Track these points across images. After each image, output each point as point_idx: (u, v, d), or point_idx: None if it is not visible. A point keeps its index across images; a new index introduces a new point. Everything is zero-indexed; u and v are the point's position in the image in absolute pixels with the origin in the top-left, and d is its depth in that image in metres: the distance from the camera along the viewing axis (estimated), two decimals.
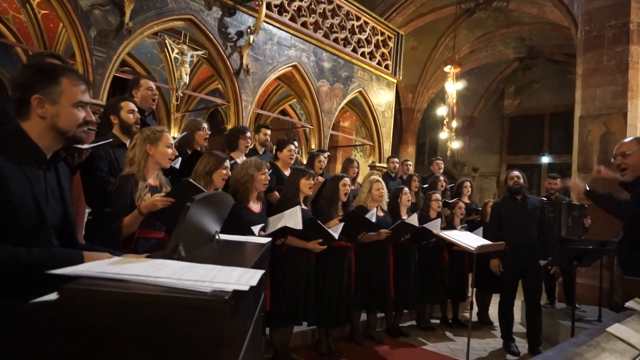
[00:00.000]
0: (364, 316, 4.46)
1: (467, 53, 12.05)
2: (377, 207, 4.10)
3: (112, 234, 2.12)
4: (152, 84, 3.35)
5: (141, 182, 2.23)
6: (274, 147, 4.57)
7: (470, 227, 5.03)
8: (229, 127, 6.37)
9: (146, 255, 1.28)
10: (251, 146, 4.39)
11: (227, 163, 2.83)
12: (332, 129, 7.64)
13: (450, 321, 5.35)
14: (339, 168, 9.29)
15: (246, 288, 0.85)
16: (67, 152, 2.25)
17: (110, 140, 2.64)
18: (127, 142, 2.80)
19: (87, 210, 3.12)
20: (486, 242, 3.86)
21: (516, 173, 4.45)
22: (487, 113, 15.10)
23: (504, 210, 4.46)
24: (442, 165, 6.70)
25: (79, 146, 2.24)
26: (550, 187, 5.36)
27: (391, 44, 8.63)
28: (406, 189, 4.60)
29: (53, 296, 0.93)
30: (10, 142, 1.34)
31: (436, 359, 4.14)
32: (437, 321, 5.34)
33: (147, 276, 0.85)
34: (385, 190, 4.25)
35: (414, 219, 4.21)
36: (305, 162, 6.72)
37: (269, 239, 1.88)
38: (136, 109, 2.87)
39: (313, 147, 7.36)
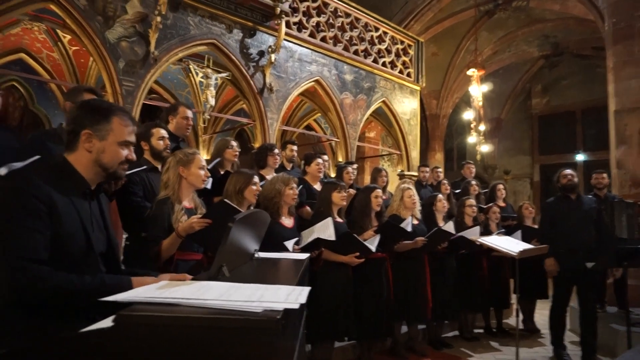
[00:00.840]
0: (404, 328, 4.36)
1: (489, 55, 11.87)
2: (411, 216, 4.03)
3: (152, 258, 2.15)
4: (189, 113, 3.39)
5: (177, 204, 2.26)
6: (302, 162, 4.58)
7: (508, 232, 4.87)
8: (256, 145, 6.44)
9: (191, 277, 1.28)
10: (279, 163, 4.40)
11: (256, 179, 2.84)
12: (358, 140, 7.62)
13: (494, 330, 5.16)
14: (367, 179, 9.23)
15: (296, 306, 0.83)
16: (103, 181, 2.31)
17: (145, 167, 2.69)
18: (159, 166, 2.86)
19: (124, 236, 3.18)
20: (528, 246, 3.72)
21: (569, 171, 4.23)
22: (515, 114, 14.77)
23: (556, 210, 4.21)
24: (474, 169, 6.56)
25: None
26: (597, 182, 5.11)
27: (411, 52, 8.59)
28: (440, 196, 4.52)
29: (106, 323, 0.94)
30: (58, 174, 1.40)
31: None
32: (481, 330, 5.17)
33: (197, 299, 0.84)
34: (417, 197, 4.18)
35: (450, 227, 4.11)
36: (333, 175, 6.72)
37: (307, 255, 1.86)
38: (167, 136, 2.91)
39: (340, 159, 7.35)
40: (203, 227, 2.07)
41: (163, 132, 2.89)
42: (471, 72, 9.35)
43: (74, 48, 6.90)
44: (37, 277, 1.22)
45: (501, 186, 5.64)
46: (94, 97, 2.42)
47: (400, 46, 8.35)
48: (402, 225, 3.80)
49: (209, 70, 6.07)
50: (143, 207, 2.73)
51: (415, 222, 4.14)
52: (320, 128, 9.93)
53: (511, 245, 3.57)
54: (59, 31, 6.45)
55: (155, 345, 0.77)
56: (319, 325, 3.27)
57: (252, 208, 2.81)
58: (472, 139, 10.39)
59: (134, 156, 1.54)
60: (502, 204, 5.50)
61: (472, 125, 9.97)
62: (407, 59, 8.48)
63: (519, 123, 14.70)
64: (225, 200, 2.21)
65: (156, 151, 2.85)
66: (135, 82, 5.19)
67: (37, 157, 2.26)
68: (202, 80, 6.71)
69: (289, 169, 4.69)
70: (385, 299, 3.80)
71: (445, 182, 5.70)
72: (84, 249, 1.39)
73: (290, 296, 0.90)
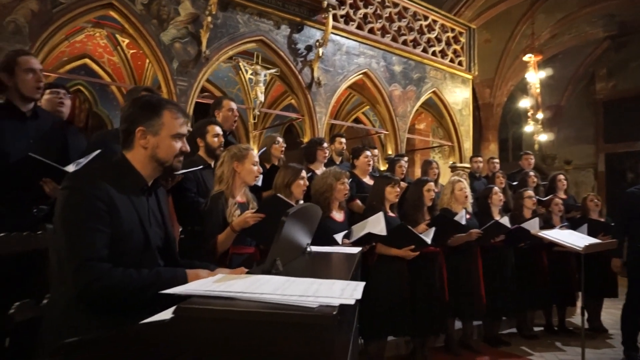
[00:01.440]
0: (458, 324, 4.24)
1: (547, 39, 11.19)
2: (464, 210, 3.90)
3: (208, 252, 2.21)
4: (233, 105, 3.45)
5: (230, 199, 2.31)
6: (350, 156, 4.55)
7: (572, 225, 4.60)
8: (305, 140, 6.48)
9: (246, 271, 1.30)
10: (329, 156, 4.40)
11: (304, 173, 2.85)
12: (407, 133, 7.47)
13: (555, 328, 4.90)
14: (417, 172, 9.04)
15: (352, 302, 0.82)
16: (161, 176, 2.40)
17: (201, 167, 2.76)
18: (212, 164, 2.93)
19: (179, 229, 3.29)
20: (594, 240, 3.48)
21: None
22: (577, 100, 13.86)
23: (637, 201, 3.87)
24: (532, 161, 6.22)
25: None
26: None
27: (463, 40, 8.29)
28: (496, 188, 4.33)
29: (165, 315, 0.97)
30: (117, 172, 1.45)
31: None
32: (541, 328, 4.92)
33: (252, 293, 0.85)
34: (468, 191, 4.03)
35: (506, 221, 3.94)
36: (382, 168, 6.63)
37: (359, 249, 1.84)
38: (221, 133, 2.97)
39: (390, 152, 7.24)
40: (257, 221, 2.10)
41: (218, 130, 2.95)
42: (528, 57, 8.89)
43: (132, 51, 7.25)
44: (98, 274, 1.27)
45: (562, 177, 5.33)
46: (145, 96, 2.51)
47: (450, 34, 8.08)
48: (456, 218, 3.69)
49: (258, 67, 6.17)
50: (197, 203, 2.81)
51: (468, 216, 4.00)
52: (369, 121, 9.84)
53: (575, 239, 3.36)
54: (118, 36, 6.79)
55: (213, 339, 0.78)
56: (373, 320, 3.24)
57: (301, 202, 2.82)
58: (529, 128, 9.89)
59: (187, 148, 1.55)
60: (563, 196, 5.20)
61: (529, 114, 9.48)
62: (458, 47, 8.19)
63: (581, 110, 13.78)
64: (278, 195, 2.24)
65: (211, 148, 2.92)
66: (188, 81, 5.37)
67: (98, 151, 2.39)
68: (251, 77, 6.84)
69: (338, 162, 4.68)
70: (439, 295, 3.72)
71: (501, 173, 5.46)
72: (142, 245, 1.43)
73: (345, 291, 0.89)
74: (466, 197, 3.99)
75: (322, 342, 0.73)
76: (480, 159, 6.10)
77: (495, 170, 5.96)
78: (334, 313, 0.75)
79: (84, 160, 2.27)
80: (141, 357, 0.84)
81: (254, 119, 7.56)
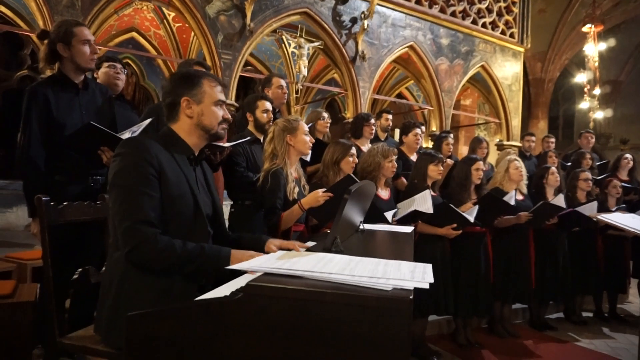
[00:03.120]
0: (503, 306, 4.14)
1: (610, 7, 10.39)
2: (515, 190, 3.74)
3: (270, 228, 2.22)
4: (283, 82, 3.42)
5: (290, 175, 2.30)
6: (399, 132, 4.43)
7: (630, 208, 4.33)
8: (348, 115, 6.40)
9: (306, 248, 1.29)
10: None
11: (354, 150, 2.79)
12: (452, 109, 7.23)
13: (605, 315, 4.70)
14: (462, 149, 8.79)
15: (426, 286, 0.79)
16: (210, 150, 2.42)
17: (248, 138, 2.77)
18: (261, 138, 2.93)
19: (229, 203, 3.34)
20: None
21: None
22: (638, 75, 12.92)
23: None
24: (593, 140, 5.82)
25: (221, 144, 2.39)
26: None
27: (515, 10, 7.83)
28: (553, 168, 4.12)
29: (225, 290, 0.97)
30: (165, 141, 1.50)
31: (595, 358, 3.67)
32: (590, 314, 4.74)
33: (321, 272, 0.83)
34: (524, 170, 3.85)
35: (560, 200, 3.75)
36: (425, 145, 6.47)
37: (411, 228, 1.80)
38: (271, 109, 2.94)
39: (434, 129, 7.05)
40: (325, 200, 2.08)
41: (268, 105, 2.92)
42: (587, 28, 8.29)
43: (177, 25, 7.32)
44: (145, 236, 1.32)
45: (629, 156, 4.98)
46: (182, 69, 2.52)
47: (502, 4, 7.65)
48: (505, 198, 3.55)
49: (302, 40, 6.08)
50: (246, 177, 2.84)
51: (521, 197, 3.84)
52: (412, 96, 9.59)
53: (638, 223, 3.16)
54: (164, 9, 6.86)
55: (282, 317, 0.78)
56: (416, 298, 3.20)
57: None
58: (584, 104, 9.32)
59: (229, 115, 1.60)
60: (625, 177, 4.89)
61: (585, 90, 8.92)
62: (510, 18, 7.76)
63: None
64: (351, 175, 2.20)
65: (260, 123, 2.91)
66: (232, 54, 5.38)
67: (150, 119, 2.44)
68: (294, 50, 6.76)
69: (383, 139, 4.58)
70: (484, 276, 3.63)
71: (554, 152, 5.18)
72: (192, 210, 1.48)
73: (415, 274, 0.86)
74: (521, 176, 3.81)
75: (398, 326, 0.70)
76: (533, 137, 5.79)
77: (549, 150, 5.67)
78: (410, 297, 0.72)
79: (137, 129, 2.33)
80: (210, 331, 0.85)
81: (297, 93, 7.53)
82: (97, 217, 1.88)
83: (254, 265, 0.90)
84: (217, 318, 0.80)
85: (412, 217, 3.10)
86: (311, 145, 2.41)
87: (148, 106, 3.03)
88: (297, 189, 2.25)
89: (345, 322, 0.74)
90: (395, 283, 0.77)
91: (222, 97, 1.57)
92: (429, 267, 0.92)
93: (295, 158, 2.40)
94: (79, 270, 1.64)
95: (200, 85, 1.52)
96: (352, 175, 2.21)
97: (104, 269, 1.72)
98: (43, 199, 1.56)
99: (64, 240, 2.11)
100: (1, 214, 6.93)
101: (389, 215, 2.76)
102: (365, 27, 5.96)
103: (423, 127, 4.24)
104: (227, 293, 0.98)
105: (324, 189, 2.14)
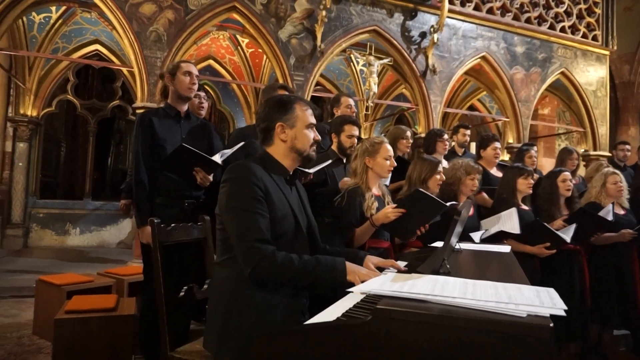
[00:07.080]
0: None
1: None
2: (613, 203, 3.45)
3: (345, 245, 2.25)
4: (351, 102, 3.47)
5: (367, 192, 2.32)
6: (476, 145, 4.28)
7: None
8: (419, 129, 6.31)
9: (415, 270, 1.28)
10: (449, 148, 4.20)
11: (441, 167, 2.74)
12: (530, 119, 6.87)
13: None
14: (541, 161, 8.30)
15: (562, 312, 0.75)
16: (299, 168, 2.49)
17: (330, 161, 2.78)
18: (344, 159, 2.95)
19: None
20: None
21: None
22: None
23: None
24: None
25: (305, 170, 2.45)
26: None
27: (598, 11, 7.34)
28: None
29: (330, 312, 0.98)
30: (264, 164, 1.58)
31: None
32: None
33: (444, 296, 0.82)
34: (624, 184, 3.55)
35: None
36: (502, 158, 6.18)
37: (508, 247, 1.72)
38: (357, 135, 2.92)
39: (510, 140, 6.74)
40: (397, 216, 2.08)
41: (354, 131, 2.88)
42: None
43: (250, 50, 7.68)
44: (265, 254, 1.39)
45: None
46: (284, 93, 2.63)
47: (583, 5, 7.20)
48: (601, 213, 3.28)
49: (371, 58, 6.12)
50: (325, 195, 2.87)
51: (622, 211, 3.53)
52: (485, 108, 9.25)
53: None
54: (238, 36, 7.24)
55: (408, 341, 0.77)
56: None
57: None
58: None
59: (319, 136, 1.66)
60: None
61: None
62: (592, 20, 7.28)
63: None
64: (421, 189, 2.18)
65: (342, 147, 2.89)
66: (304, 75, 5.54)
67: (242, 143, 2.58)
68: (362, 68, 6.82)
69: (460, 154, 4.45)
70: (580, 298, 3.36)
71: None
72: (293, 229, 1.55)
73: (542, 299, 0.82)
74: (620, 191, 3.49)
75: (540, 354, 0.67)
76: (628, 146, 5.30)
77: None
78: (551, 325, 0.69)
79: (228, 152, 2.48)
80: (337, 352, 0.86)
81: (367, 111, 7.56)
82: (198, 238, 2.00)
83: (373, 288, 0.91)
84: (346, 339, 0.81)
85: (499, 236, 2.97)
86: (391, 169, 2.40)
87: (235, 129, 3.19)
88: (376, 205, 2.25)
89: (479, 347, 0.72)
90: (527, 309, 0.74)
91: (312, 120, 1.63)
92: (553, 292, 0.87)
93: (374, 178, 2.41)
94: (185, 287, 1.75)
95: (293, 110, 1.59)
96: (421, 189, 2.17)
97: (205, 286, 1.83)
98: (155, 221, 1.68)
99: (166, 259, 2.26)
100: (96, 232, 7.58)
101: (476, 236, 2.66)
102: (435, 40, 5.89)
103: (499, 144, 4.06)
104: (338, 314, 1.00)
105: (394, 205, 2.14)
